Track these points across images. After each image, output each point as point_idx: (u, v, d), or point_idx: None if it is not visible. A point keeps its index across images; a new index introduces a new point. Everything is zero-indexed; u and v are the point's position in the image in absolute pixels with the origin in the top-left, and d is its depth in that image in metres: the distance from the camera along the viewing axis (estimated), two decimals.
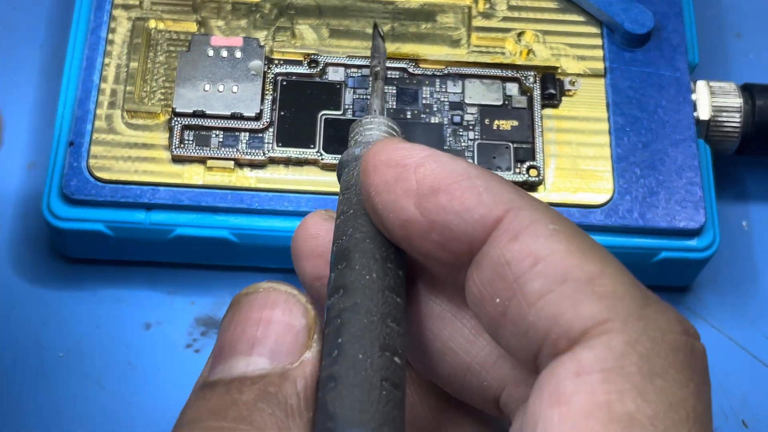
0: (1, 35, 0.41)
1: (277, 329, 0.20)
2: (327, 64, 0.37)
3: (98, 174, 0.34)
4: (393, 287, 0.20)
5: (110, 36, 0.37)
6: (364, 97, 0.36)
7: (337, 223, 0.22)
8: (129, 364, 0.35)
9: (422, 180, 0.20)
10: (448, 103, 0.36)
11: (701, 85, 0.38)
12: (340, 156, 0.35)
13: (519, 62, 0.37)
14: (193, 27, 0.37)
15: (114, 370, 0.35)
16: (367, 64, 0.37)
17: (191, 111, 0.35)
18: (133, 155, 0.35)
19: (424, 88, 0.37)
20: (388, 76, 0.37)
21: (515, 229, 0.19)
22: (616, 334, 0.18)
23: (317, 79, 0.36)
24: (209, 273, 0.37)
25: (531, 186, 0.35)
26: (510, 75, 0.37)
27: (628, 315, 0.18)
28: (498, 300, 0.19)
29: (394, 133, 0.24)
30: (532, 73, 0.37)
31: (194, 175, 0.35)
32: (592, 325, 0.18)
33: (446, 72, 0.37)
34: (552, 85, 0.37)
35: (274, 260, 0.35)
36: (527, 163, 0.35)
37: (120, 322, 0.36)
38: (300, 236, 0.23)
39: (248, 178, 0.35)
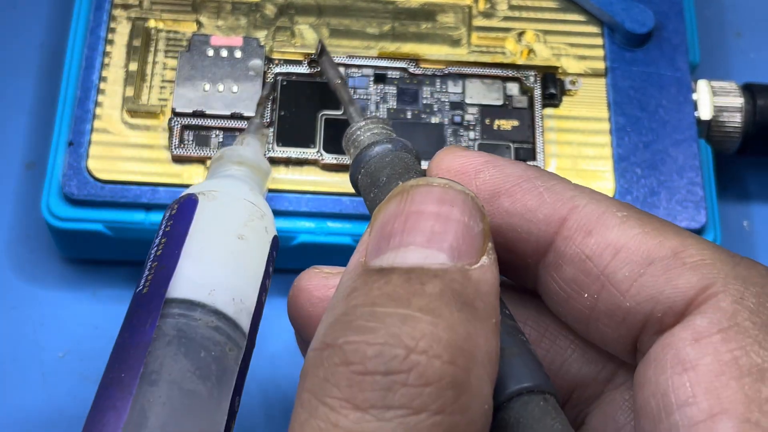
0: (0, 35, 0.41)
1: (456, 227, 0.19)
2: None
3: (98, 174, 0.34)
4: None
5: (110, 36, 0.36)
6: (364, 97, 0.36)
7: None
8: None
9: (483, 185, 0.21)
10: (448, 103, 0.36)
11: (702, 85, 0.37)
12: (341, 157, 0.35)
13: (520, 62, 0.37)
14: (192, 27, 0.37)
15: None
16: (367, 64, 0.37)
17: (191, 111, 0.35)
18: (133, 155, 0.35)
19: (424, 88, 0.36)
20: (388, 75, 0.37)
21: (586, 224, 0.20)
22: (722, 296, 0.19)
23: (317, 79, 0.36)
24: None
25: None
26: (511, 75, 0.37)
27: (726, 277, 0.19)
28: (587, 295, 0.20)
29: (386, 129, 0.24)
30: (533, 73, 0.37)
31: (194, 175, 0.34)
32: (695, 294, 0.19)
33: (447, 72, 0.37)
34: (553, 85, 0.37)
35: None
36: (528, 163, 0.35)
37: (119, 322, 0.36)
38: (303, 302, 0.23)
39: None
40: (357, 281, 0.19)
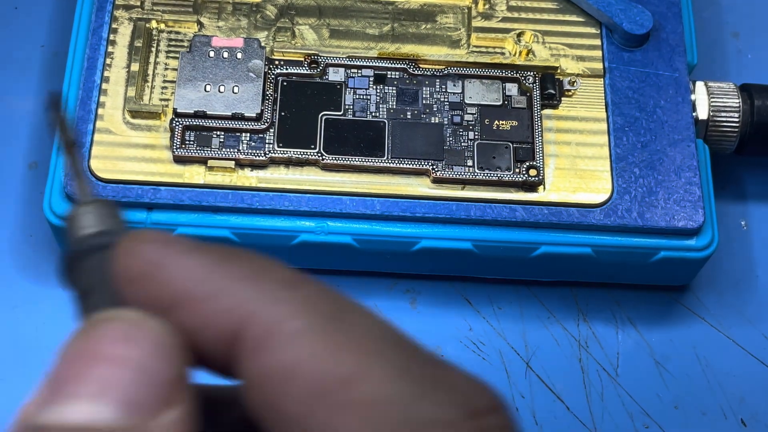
0: (2, 35, 0.41)
1: (134, 375, 0.16)
2: (327, 65, 0.37)
3: (100, 174, 0.34)
4: None
5: (111, 36, 0.37)
6: (364, 97, 0.36)
7: None
8: None
9: (157, 296, 0.17)
10: (448, 104, 0.37)
11: (700, 86, 0.38)
12: (341, 157, 0.35)
13: (518, 62, 0.37)
14: (193, 27, 0.37)
15: None
16: (367, 65, 0.37)
17: (192, 111, 0.35)
18: (135, 155, 0.35)
19: (424, 89, 0.37)
20: (388, 76, 0.37)
21: (255, 340, 0.17)
22: None
23: (317, 80, 0.37)
24: None
25: (531, 186, 0.35)
26: (509, 75, 0.37)
27: (396, 426, 0.16)
28: (268, 424, 0.17)
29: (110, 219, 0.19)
30: (532, 74, 0.37)
31: (195, 175, 0.35)
32: None
33: (446, 72, 0.37)
34: (551, 85, 0.37)
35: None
36: (527, 163, 0.35)
37: None
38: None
39: (249, 178, 0.35)
40: None
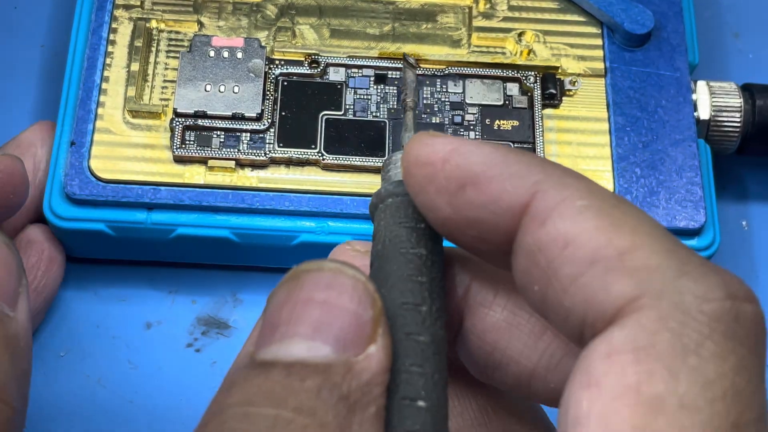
0: (2, 35, 0.41)
1: (343, 316, 0.19)
2: (328, 65, 0.37)
3: (100, 174, 0.34)
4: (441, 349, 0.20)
5: (111, 36, 0.37)
6: (364, 97, 0.36)
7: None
8: (129, 364, 0.35)
9: (449, 176, 0.20)
10: (448, 103, 0.36)
11: (701, 85, 0.38)
12: (341, 157, 0.35)
13: (519, 62, 0.37)
14: (193, 27, 0.37)
15: (114, 370, 0.35)
16: (368, 64, 0.37)
17: (192, 111, 0.35)
18: (135, 155, 0.35)
19: (425, 88, 0.37)
20: (389, 76, 0.37)
21: (543, 212, 0.19)
22: (647, 311, 0.17)
23: (318, 80, 0.37)
24: (210, 272, 0.37)
25: None
26: (510, 75, 0.37)
27: (662, 288, 0.17)
28: (537, 288, 0.19)
29: None
30: (533, 73, 0.37)
31: (195, 175, 0.35)
32: (623, 304, 0.17)
33: (447, 72, 0.37)
34: (552, 85, 0.37)
35: (275, 260, 0.36)
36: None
37: (121, 321, 0.36)
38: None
39: (249, 178, 0.35)
40: (238, 375, 0.19)
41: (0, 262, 0.22)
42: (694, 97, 0.37)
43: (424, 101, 0.36)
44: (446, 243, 0.21)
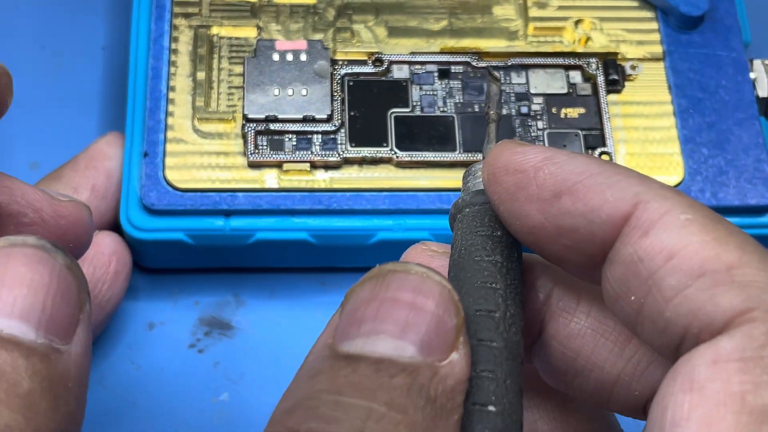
0: (2, 35, 0.41)
1: (429, 320, 0.19)
2: (391, 62, 0.37)
3: (176, 183, 0.34)
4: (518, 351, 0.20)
5: (173, 45, 0.37)
6: (430, 93, 0.37)
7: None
8: (132, 365, 0.35)
9: (543, 184, 0.20)
10: (513, 94, 0.37)
11: (758, 64, 0.38)
12: (414, 153, 0.35)
13: (579, 50, 0.38)
14: (253, 32, 0.37)
15: (117, 371, 0.35)
16: (430, 60, 0.37)
17: (263, 116, 0.35)
18: (209, 163, 0.35)
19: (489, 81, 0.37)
20: (452, 70, 0.37)
21: (646, 223, 0.19)
22: (759, 324, 0.17)
23: (383, 78, 0.37)
24: (212, 273, 0.37)
25: None
26: (572, 63, 0.37)
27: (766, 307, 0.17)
28: (633, 298, 0.19)
29: None
30: (594, 60, 0.37)
31: (270, 179, 0.35)
32: (733, 316, 0.18)
33: (509, 63, 0.37)
34: (614, 71, 0.37)
35: (352, 260, 0.36)
36: (599, 150, 0.36)
37: (123, 322, 0.36)
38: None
39: (324, 179, 0.35)
40: (323, 364, 0.19)
41: (59, 289, 0.20)
42: (752, 75, 0.38)
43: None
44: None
